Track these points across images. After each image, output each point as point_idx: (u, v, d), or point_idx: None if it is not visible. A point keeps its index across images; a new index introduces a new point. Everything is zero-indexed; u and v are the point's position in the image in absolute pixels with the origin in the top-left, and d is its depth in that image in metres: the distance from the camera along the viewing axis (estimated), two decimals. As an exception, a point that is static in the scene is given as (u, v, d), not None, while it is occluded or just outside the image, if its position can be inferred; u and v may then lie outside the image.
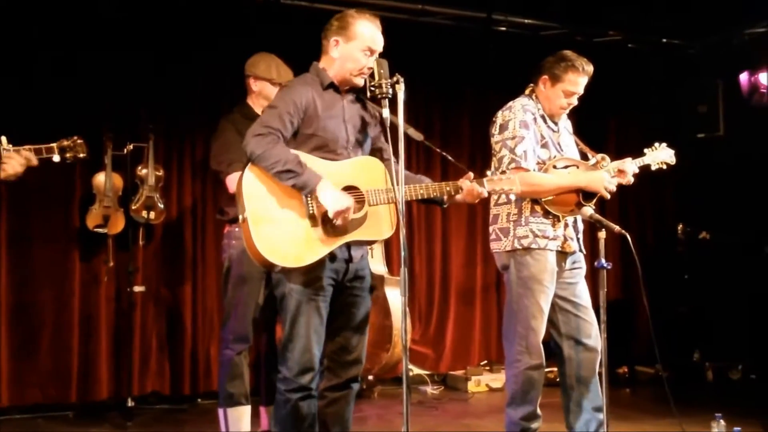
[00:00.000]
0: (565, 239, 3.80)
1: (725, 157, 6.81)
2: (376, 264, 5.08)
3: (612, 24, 6.66)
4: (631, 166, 3.93)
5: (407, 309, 5.42)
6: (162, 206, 5.45)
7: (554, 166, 3.80)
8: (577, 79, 3.80)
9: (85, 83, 5.35)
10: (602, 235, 3.48)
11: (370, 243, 3.23)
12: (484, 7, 6.22)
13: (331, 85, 3.17)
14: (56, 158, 3.22)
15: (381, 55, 3.15)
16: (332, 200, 2.95)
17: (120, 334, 5.51)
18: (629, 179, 3.93)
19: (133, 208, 5.35)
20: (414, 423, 4.64)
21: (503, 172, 3.72)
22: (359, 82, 3.17)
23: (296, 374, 3.06)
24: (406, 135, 3.04)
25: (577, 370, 3.82)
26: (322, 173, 2.99)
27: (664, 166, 4.11)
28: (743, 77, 6.47)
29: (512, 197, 3.78)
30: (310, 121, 3.08)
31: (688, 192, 7.23)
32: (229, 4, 5.66)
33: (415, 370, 6.35)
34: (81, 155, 3.37)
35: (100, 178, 5.33)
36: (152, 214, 5.36)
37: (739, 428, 3.84)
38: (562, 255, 3.82)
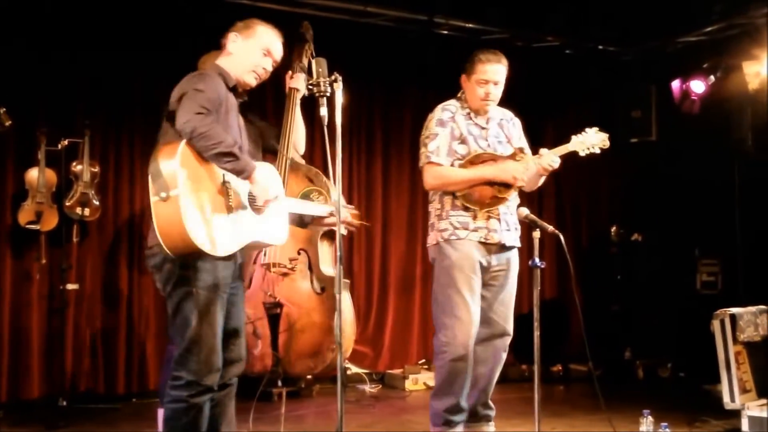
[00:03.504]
0: (488, 231, 3.92)
1: (657, 161, 7.00)
2: (328, 266, 5.14)
3: (550, 30, 6.79)
4: (547, 157, 3.97)
5: (352, 308, 5.44)
6: (97, 203, 5.37)
7: (471, 162, 3.94)
8: (485, 68, 3.98)
9: (18, 75, 5.23)
10: (537, 234, 3.57)
11: (265, 246, 3.25)
12: (425, 10, 6.27)
13: (234, 89, 3.17)
14: None
15: (322, 54, 3.16)
16: (268, 187, 3.00)
17: (52, 332, 5.39)
18: (545, 167, 3.97)
19: (67, 204, 5.25)
20: (351, 420, 4.69)
21: (422, 167, 4.00)
22: (251, 80, 3.19)
23: (203, 376, 2.97)
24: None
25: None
26: None
27: (598, 150, 4.07)
28: (675, 84, 6.64)
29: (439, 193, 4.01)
30: (218, 116, 3.05)
31: (621, 195, 7.42)
32: (170, 1, 5.60)
33: (354, 369, 6.36)
34: (6, 123, 3.28)
35: (33, 174, 5.23)
36: (87, 211, 5.28)
37: (666, 424, 3.95)
38: (488, 247, 3.93)
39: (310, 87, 3.00)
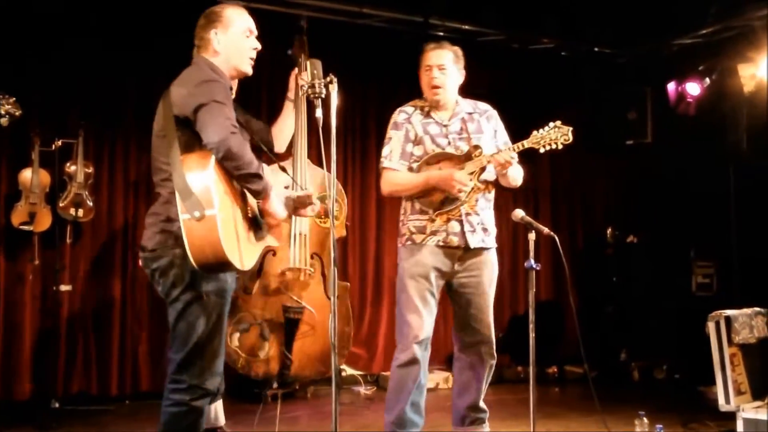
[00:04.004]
0: (448, 234, 3.85)
1: (653, 163, 7.00)
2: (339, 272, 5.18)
3: (546, 32, 6.78)
4: (502, 155, 3.79)
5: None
6: (91, 204, 5.35)
7: (427, 163, 3.90)
8: (426, 55, 3.98)
9: (12, 75, 5.20)
10: (532, 236, 3.55)
11: (271, 248, 3.23)
12: (421, 12, 6.26)
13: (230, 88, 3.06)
14: None
15: (317, 55, 3.14)
16: (283, 207, 2.98)
17: (45, 333, 5.37)
18: (502, 163, 3.78)
19: (61, 205, 5.23)
20: (345, 422, 4.68)
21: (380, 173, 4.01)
22: (249, 69, 3.10)
23: (206, 381, 2.93)
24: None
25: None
26: None
27: (560, 146, 3.79)
28: (671, 86, 6.65)
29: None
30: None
31: (617, 196, 7.42)
32: (165, 1, 5.58)
33: (348, 371, 6.35)
34: (17, 113, 3.23)
35: (26, 175, 5.21)
36: (80, 212, 5.26)
37: (661, 425, 3.96)
38: (450, 251, 3.86)
39: (305, 88, 2.98)
